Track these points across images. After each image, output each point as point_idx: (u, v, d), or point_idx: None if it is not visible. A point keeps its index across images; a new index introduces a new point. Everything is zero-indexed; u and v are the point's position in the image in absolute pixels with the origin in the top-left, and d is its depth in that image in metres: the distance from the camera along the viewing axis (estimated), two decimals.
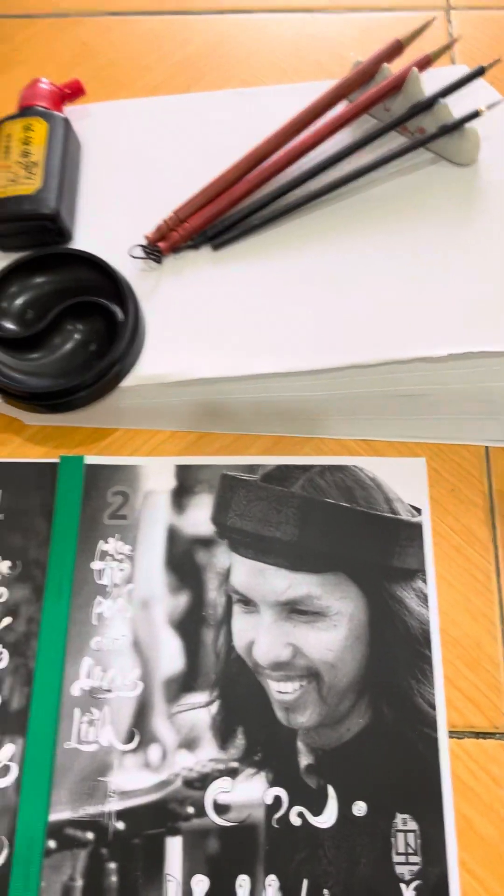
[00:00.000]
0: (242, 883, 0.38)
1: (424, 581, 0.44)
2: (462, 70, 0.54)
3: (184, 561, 0.46)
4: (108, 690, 0.43)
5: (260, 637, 0.43)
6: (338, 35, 0.63)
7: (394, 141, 0.53)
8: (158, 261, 0.51)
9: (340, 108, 0.53)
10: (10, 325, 0.49)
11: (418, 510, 0.46)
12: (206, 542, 0.46)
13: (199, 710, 0.42)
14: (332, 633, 0.43)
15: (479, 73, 0.52)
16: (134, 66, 0.63)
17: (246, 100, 0.57)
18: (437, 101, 0.51)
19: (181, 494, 0.47)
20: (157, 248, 0.50)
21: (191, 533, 0.46)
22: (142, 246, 0.51)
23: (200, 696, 0.42)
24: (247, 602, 0.44)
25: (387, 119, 0.53)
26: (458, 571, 0.45)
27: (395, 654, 0.43)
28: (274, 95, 0.58)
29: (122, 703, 0.42)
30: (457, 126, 0.51)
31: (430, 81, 0.52)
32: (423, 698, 0.42)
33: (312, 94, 0.54)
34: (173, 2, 0.67)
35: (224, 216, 0.51)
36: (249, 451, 0.49)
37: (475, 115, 0.50)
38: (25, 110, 0.53)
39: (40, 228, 0.50)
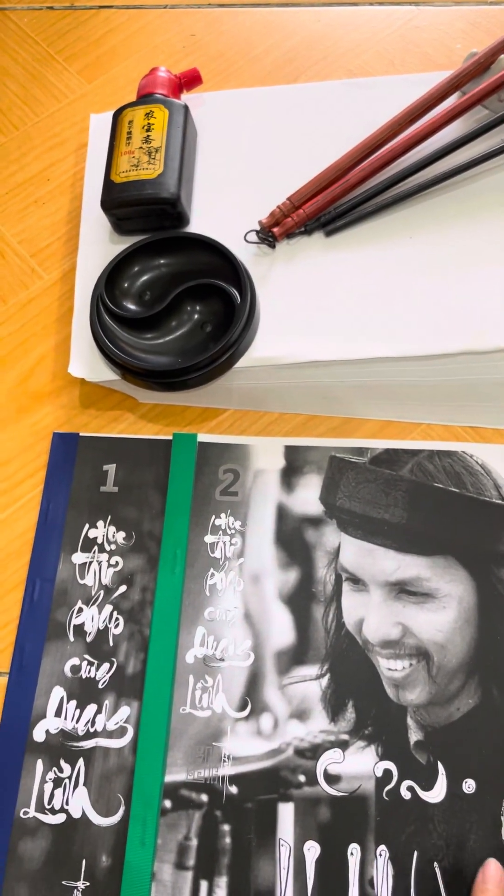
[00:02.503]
0: (353, 851, 0.39)
1: None
2: None
3: (293, 538, 0.47)
4: (221, 659, 0.44)
5: (370, 615, 0.44)
6: (445, 27, 0.64)
7: None
8: (272, 246, 0.52)
9: (454, 99, 0.54)
10: (131, 306, 0.51)
11: None
12: (314, 521, 0.47)
13: (310, 682, 0.43)
14: (442, 614, 0.44)
15: None
16: (242, 56, 0.64)
17: (357, 90, 0.58)
18: None
19: (290, 474, 0.49)
20: (272, 233, 0.51)
21: (299, 511, 0.47)
22: (256, 231, 0.52)
23: (311, 670, 0.43)
24: (356, 581, 0.45)
25: (500, 110, 0.53)
26: None
27: None
28: (383, 86, 0.58)
29: (234, 672, 0.44)
30: None
31: None
32: None
33: (422, 84, 0.54)
34: None
35: (337, 204, 0.52)
36: (357, 434, 0.50)
37: None
38: (145, 97, 0.54)
39: (160, 213, 0.51)
